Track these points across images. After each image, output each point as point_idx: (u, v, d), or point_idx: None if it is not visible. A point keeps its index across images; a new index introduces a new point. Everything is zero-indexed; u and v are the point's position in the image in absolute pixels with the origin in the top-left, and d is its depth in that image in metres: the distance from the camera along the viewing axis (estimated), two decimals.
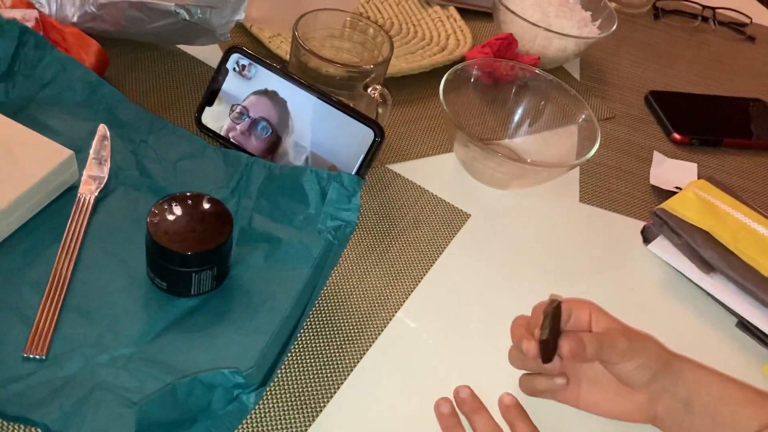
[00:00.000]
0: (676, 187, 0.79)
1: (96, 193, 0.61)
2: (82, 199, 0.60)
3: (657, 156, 0.85)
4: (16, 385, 0.48)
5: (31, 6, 0.72)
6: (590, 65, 0.98)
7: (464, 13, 0.96)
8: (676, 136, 0.88)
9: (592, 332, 0.51)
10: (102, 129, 0.65)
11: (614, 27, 0.91)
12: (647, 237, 0.73)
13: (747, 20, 1.15)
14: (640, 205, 0.78)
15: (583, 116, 0.76)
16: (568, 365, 0.53)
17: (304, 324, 0.57)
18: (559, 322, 0.50)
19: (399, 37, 0.89)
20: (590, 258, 0.71)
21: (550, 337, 0.49)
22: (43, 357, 0.50)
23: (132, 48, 0.76)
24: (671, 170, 0.83)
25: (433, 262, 0.65)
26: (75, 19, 0.71)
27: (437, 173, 0.74)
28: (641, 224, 0.75)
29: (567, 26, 0.91)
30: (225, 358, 0.51)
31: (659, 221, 0.71)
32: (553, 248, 0.71)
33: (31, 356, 0.50)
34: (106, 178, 0.62)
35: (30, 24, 0.70)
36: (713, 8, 1.14)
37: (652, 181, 0.81)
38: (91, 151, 0.63)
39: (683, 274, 0.70)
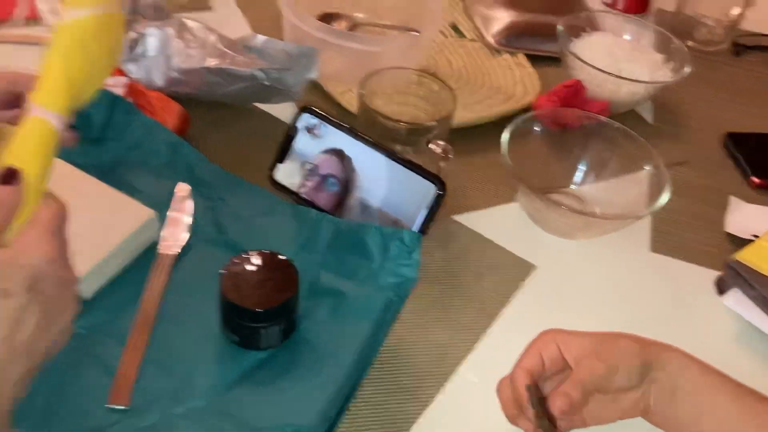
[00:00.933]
0: (754, 235, 0.76)
1: (176, 251, 0.65)
2: (163, 256, 0.64)
3: (734, 201, 0.83)
4: None
5: (121, 73, 0.78)
6: (664, 107, 0.96)
7: (533, 59, 0.97)
8: (755, 179, 0.85)
9: (570, 375, 0.51)
10: (183, 188, 0.69)
11: (688, 70, 0.90)
12: (722, 288, 0.71)
13: None
14: (715, 254, 0.76)
15: (652, 164, 0.75)
16: None
17: (365, 378, 0.59)
18: (542, 398, 0.50)
19: (467, 87, 0.91)
20: (661, 310, 0.70)
21: (542, 411, 0.49)
22: (126, 407, 0.54)
23: (212, 108, 0.81)
24: (749, 217, 0.81)
25: (498, 315, 0.66)
26: (160, 84, 0.77)
27: (502, 223, 0.75)
28: (715, 274, 0.73)
29: (638, 70, 0.90)
30: (290, 413, 0.54)
31: (733, 273, 0.69)
32: (622, 300, 0.70)
33: (115, 406, 0.54)
34: (186, 235, 0.66)
35: (120, 89, 0.76)
36: None
37: (729, 229, 0.79)
38: (172, 210, 0.68)
39: (759, 329, 0.67)
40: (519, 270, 0.71)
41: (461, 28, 1.02)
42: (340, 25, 0.93)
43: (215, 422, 0.53)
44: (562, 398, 0.49)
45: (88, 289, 0.60)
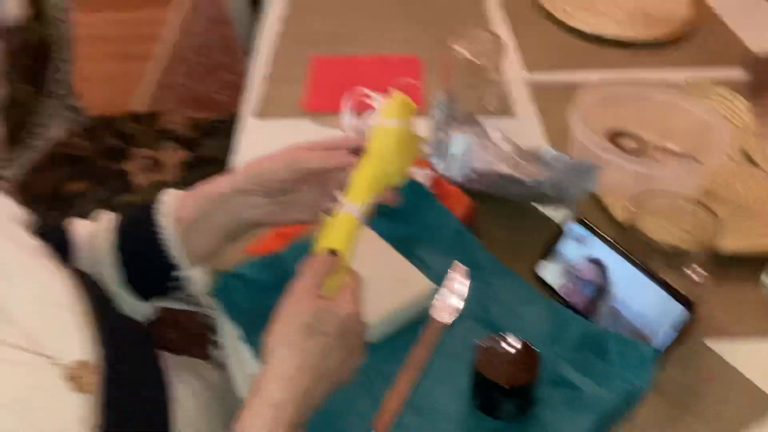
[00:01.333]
0: None
1: (446, 320, 0.78)
2: (435, 323, 0.78)
3: None
4: None
5: (429, 166, 0.95)
6: None
7: None
8: None
9: None
10: (460, 269, 0.83)
11: None
12: None
13: None
14: None
15: None
16: None
17: None
18: None
19: (747, 214, 0.92)
20: None
21: None
22: None
23: (496, 204, 0.94)
24: None
25: None
26: (458, 180, 0.93)
27: (754, 357, 0.76)
28: None
29: None
30: None
31: None
32: None
33: None
34: (456, 309, 0.79)
35: (425, 179, 0.94)
36: None
37: None
38: (449, 285, 0.82)
39: None
40: (762, 405, 0.71)
41: (755, 157, 1.03)
42: (627, 144, 1.01)
43: None
44: None
45: (373, 335, 0.76)
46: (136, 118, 1.59)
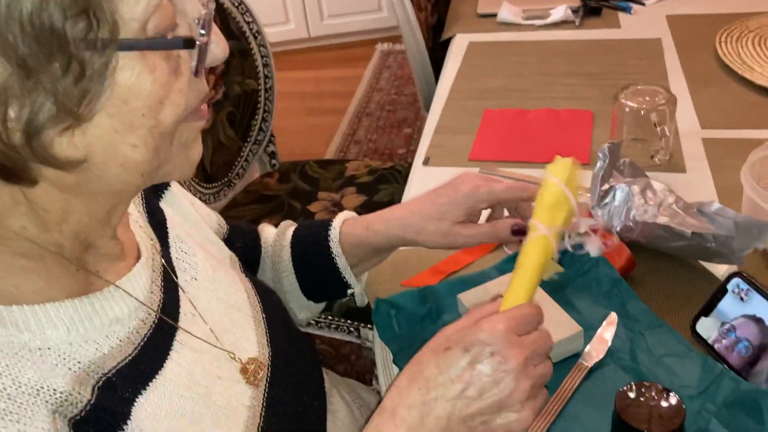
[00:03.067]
0: None
1: (591, 364, 0.79)
2: (580, 366, 0.79)
3: None
4: None
5: (590, 215, 0.97)
6: None
7: None
8: None
9: None
10: (612, 317, 0.84)
11: None
12: None
13: None
14: None
15: None
16: None
17: None
18: None
19: None
20: None
21: None
22: None
23: (655, 256, 0.93)
24: None
25: None
26: (617, 229, 0.93)
27: None
28: None
29: None
30: None
31: None
32: None
33: None
34: (602, 355, 0.80)
35: (584, 228, 0.96)
36: None
37: None
38: (599, 331, 0.82)
39: None
40: None
41: None
42: None
43: None
44: None
45: None
46: (322, 164, 1.74)
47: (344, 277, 0.86)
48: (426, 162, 1.24)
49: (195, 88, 0.52)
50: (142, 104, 0.47)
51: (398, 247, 0.87)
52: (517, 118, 1.33)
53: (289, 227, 0.91)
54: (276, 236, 0.90)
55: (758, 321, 0.76)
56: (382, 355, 0.87)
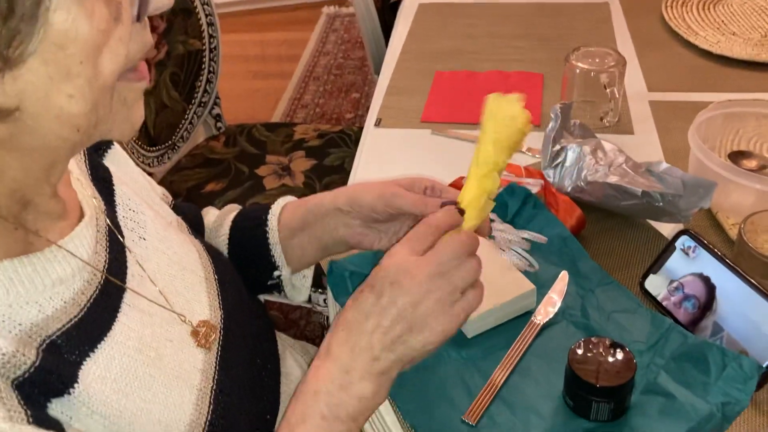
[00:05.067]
0: None
1: (544, 322, 0.80)
2: (533, 323, 0.80)
3: None
4: None
5: (541, 176, 0.97)
6: None
7: None
8: None
9: None
10: (563, 275, 0.85)
11: None
12: None
13: None
14: None
15: None
16: None
17: None
18: None
19: None
20: None
21: None
22: (473, 425, 0.70)
23: (605, 216, 0.95)
24: None
25: None
26: (568, 190, 0.94)
27: None
28: None
29: None
30: None
31: None
32: None
33: (466, 421, 0.71)
34: (555, 312, 0.81)
35: (536, 188, 0.96)
36: None
37: None
38: (551, 290, 0.83)
39: None
40: None
41: None
42: (749, 164, 0.99)
43: None
44: None
45: (470, 331, 0.79)
46: (270, 127, 1.71)
47: (273, 256, 0.81)
48: (378, 123, 1.22)
49: (137, 38, 0.49)
50: (80, 51, 0.44)
51: (336, 233, 0.77)
52: (468, 80, 1.32)
53: (229, 213, 0.86)
54: (216, 220, 0.86)
55: (705, 278, 0.78)
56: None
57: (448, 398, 0.73)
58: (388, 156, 1.15)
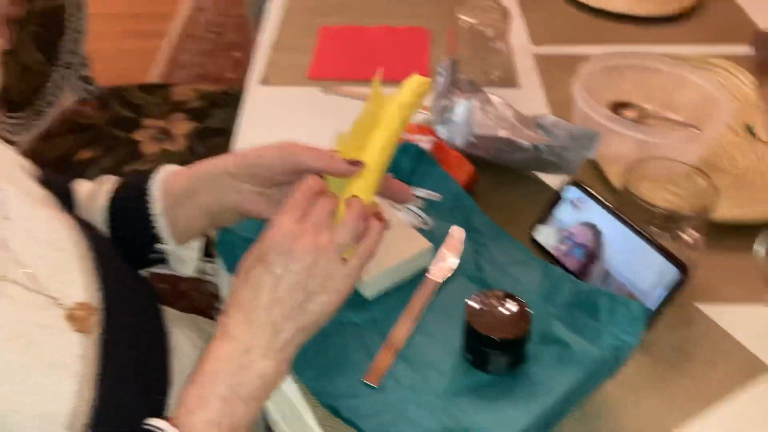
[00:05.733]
0: None
1: (441, 279, 0.80)
2: (429, 281, 0.79)
3: None
4: (354, 400, 0.68)
5: (431, 132, 0.96)
6: None
7: None
8: None
9: None
10: (457, 231, 0.84)
11: None
12: None
13: None
14: None
15: None
16: None
17: (568, 418, 0.67)
18: None
19: (745, 186, 0.93)
20: None
21: None
22: (375, 386, 0.69)
23: (497, 171, 0.95)
24: None
25: (714, 404, 0.69)
26: (459, 145, 0.94)
27: (746, 322, 0.77)
28: None
29: None
30: (496, 425, 0.64)
31: None
32: None
33: (367, 383, 0.69)
34: (451, 269, 0.81)
35: (427, 145, 0.95)
36: None
37: None
38: (446, 246, 0.83)
39: None
40: (751, 368, 0.72)
41: (756, 130, 1.03)
42: (629, 114, 1.02)
43: (438, 414, 0.66)
44: None
45: (368, 292, 0.77)
46: (146, 89, 1.61)
47: (156, 228, 0.75)
48: (263, 81, 1.17)
49: None
50: None
51: (226, 199, 0.72)
52: (355, 36, 1.29)
53: (105, 183, 0.79)
54: (93, 186, 0.79)
55: (592, 227, 0.79)
56: (228, 287, 0.82)
57: (349, 362, 0.71)
58: (275, 116, 1.11)
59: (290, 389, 0.71)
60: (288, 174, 0.68)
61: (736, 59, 1.16)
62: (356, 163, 0.66)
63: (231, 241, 0.82)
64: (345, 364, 0.71)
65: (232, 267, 0.82)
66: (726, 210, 0.86)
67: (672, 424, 0.67)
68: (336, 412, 0.68)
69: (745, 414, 0.68)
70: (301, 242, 0.58)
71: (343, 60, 1.22)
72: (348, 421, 0.67)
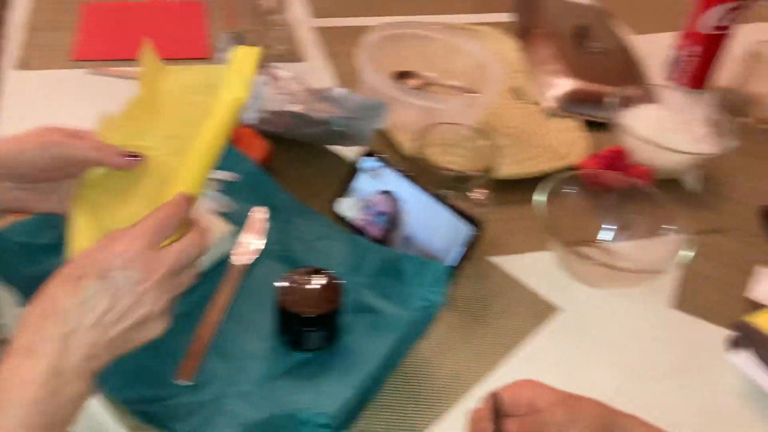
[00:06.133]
0: None
1: (246, 262, 0.77)
2: (234, 266, 0.76)
3: (760, 271, 0.88)
4: (167, 402, 0.64)
5: None
6: (708, 177, 1.02)
7: (587, 124, 1.06)
8: None
9: (531, 415, 0.55)
10: (259, 210, 0.82)
11: (733, 144, 0.96)
12: (732, 347, 0.77)
13: None
14: (734, 316, 0.81)
15: (679, 227, 0.82)
16: None
17: (390, 383, 0.68)
18: (501, 411, 0.54)
19: (520, 144, 1.01)
20: (671, 361, 0.76)
21: (497, 429, 0.53)
22: (189, 383, 0.65)
23: (292, 146, 0.94)
24: None
25: (516, 347, 0.74)
26: (252, 122, 0.91)
27: (533, 268, 0.84)
28: (729, 334, 0.78)
29: (683, 141, 0.97)
30: (320, 403, 0.64)
31: (741, 333, 0.75)
32: (635, 348, 0.77)
33: (180, 382, 0.65)
34: (256, 250, 0.78)
35: None
36: None
37: (750, 295, 0.84)
38: (248, 227, 0.80)
39: (762, 388, 0.72)
40: (543, 310, 0.79)
41: (523, 92, 1.12)
42: (413, 83, 1.06)
43: (258, 402, 0.64)
44: (517, 423, 0.54)
45: None
46: None
47: None
48: (21, 65, 1.04)
49: None
50: None
51: None
52: (123, 12, 1.19)
53: None
54: None
55: (391, 195, 0.81)
56: (8, 299, 0.73)
57: (158, 364, 0.67)
58: (38, 104, 0.99)
59: (92, 404, 0.65)
60: (57, 170, 0.62)
61: (501, 25, 1.24)
62: (136, 156, 0.62)
63: (2, 245, 0.73)
64: (153, 366, 0.67)
65: (6, 274, 0.72)
66: (506, 168, 0.93)
67: (483, 371, 0.71)
68: (149, 418, 0.63)
69: (542, 352, 0.75)
70: (151, 273, 0.55)
71: (112, 39, 1.13)
72: (162, 425, 0.63)
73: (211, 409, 0.63)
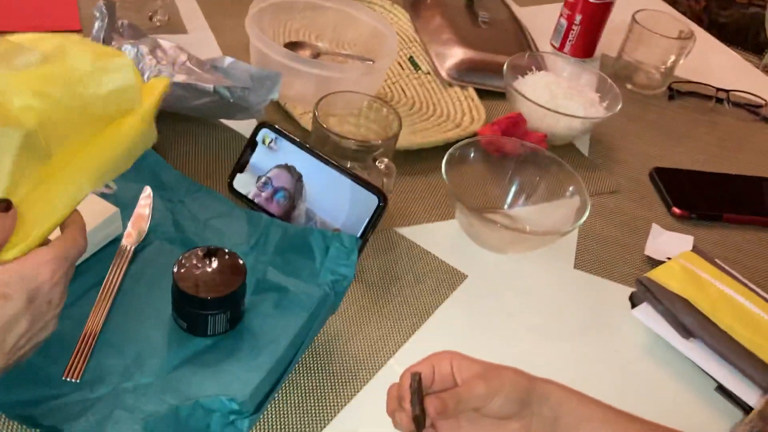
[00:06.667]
0: (668, 258, 0.84)
1: (135, 245, 0.71)
2: (123, 250, 0.70)
3: (655, 228, 0.91)
4: (55, 401, 0.57)
5: None
6: (600, 142, 1.05)
7: (481, 93, 1.05)
8: (676, 210, 0.94)
9: (452, 389, 0.54)
10: (146, 190, 0.76)
11: (619, 107, 0.99)
12: (634, 303, 0.78)
13: (762, 101, 1.20)
14: (633, 273, 0.83)
15: (577, 189, 0.83)
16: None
17: (303, 363, 0.65)
18: (422, 390, 0.53)
19: (418, 114, 0.99)
20: (578, 320, 0.77)
21: (419, 409, 0.51)
22: (77, 381, 0.59)
23: (179, 121, 0.87)
24: (668, 242, 0.89)
25: (429, 317, 0.73)
26: None
27: (440, 237, 0.82)
28: (631, 291, 0.80)
29: (574, 107, 0.99)
30: (228, 390, 0.59)
31: (643, 288, 0.77)
32: (543, 309, 0.77)
33: (69, 379, 0.59)
34: (146, 232, 0.72)
35: None
36: (728, 90, 1.19)
37: (647, 252, 0.86)
38: (136, 209, 0.74)
39: (665, 339, 0.75)
40: (451, 278, 0.77)
41: (418, 62, 1.10)
42: (304, 53, 1.01)
43: (160, 395, 0.59)
44: (437, 401, 0.52)
45: None
46: None
47: None
48: None
49: None
50: None
51: None
52: None
53: None
54: None
55: (290, 168, 0.77)
56: None
57: (44, 362, 0.60)
58: None
59: None
60: None
61: None
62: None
63: None
64: (39, 365, 0.59)
65: None
66: (407, 138, 0.91)
67: (397, 343, 0.69)
68: (35, 423, 0.56)
69: (454, 319, 0.73)
70: (65, 295, 0.53)
71: None
72: (51, 429, 0.56)
73: (105, 406, 0.57)
